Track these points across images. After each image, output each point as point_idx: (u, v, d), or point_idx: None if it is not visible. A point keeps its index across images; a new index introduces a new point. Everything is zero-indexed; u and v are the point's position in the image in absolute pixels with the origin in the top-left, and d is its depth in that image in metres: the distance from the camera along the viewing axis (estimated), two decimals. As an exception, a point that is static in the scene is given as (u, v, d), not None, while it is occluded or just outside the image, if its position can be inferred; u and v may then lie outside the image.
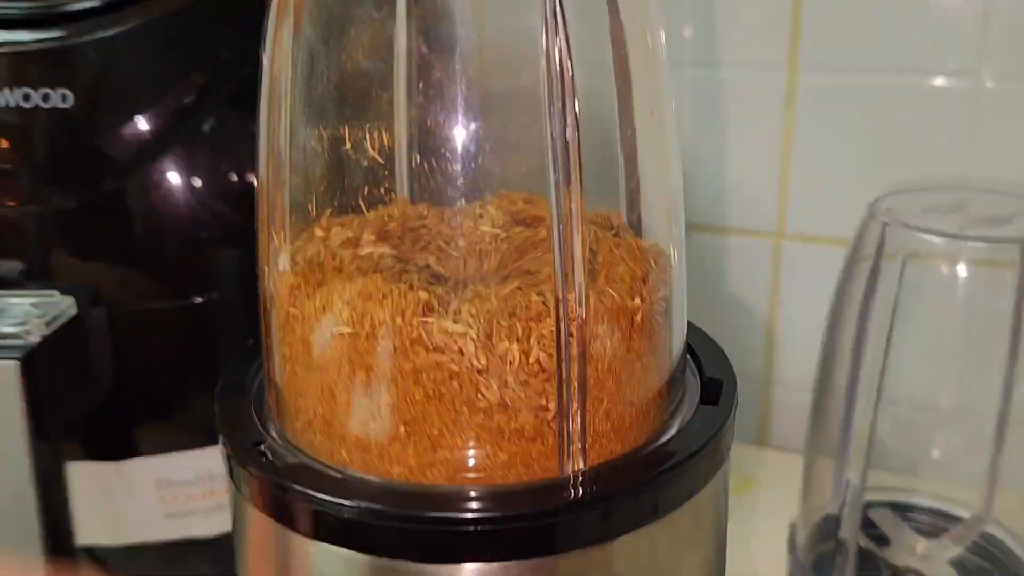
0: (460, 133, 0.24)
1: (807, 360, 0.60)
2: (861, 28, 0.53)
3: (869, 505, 0.47)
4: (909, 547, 0.45)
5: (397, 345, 0.22)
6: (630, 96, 0.23)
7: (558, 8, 0.20)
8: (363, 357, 0.22)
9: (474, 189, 0.25)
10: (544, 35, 0.21)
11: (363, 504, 0.22)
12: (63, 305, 0.36)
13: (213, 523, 0.42)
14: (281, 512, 0.23)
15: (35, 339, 0.35)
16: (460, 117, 0.24)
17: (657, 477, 0.22)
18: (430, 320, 0.22)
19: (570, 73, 0.20)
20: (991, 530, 0.45)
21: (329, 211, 0.24)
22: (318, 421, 0.24)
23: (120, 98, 0.38)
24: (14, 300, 0.36)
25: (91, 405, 0.40)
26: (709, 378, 0.26)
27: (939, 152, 0.53)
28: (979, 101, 0.51)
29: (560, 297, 0.21)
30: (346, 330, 0.22)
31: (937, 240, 0.39)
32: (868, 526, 0.47)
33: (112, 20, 0.37)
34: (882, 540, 0.46)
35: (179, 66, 0.39)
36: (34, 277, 0.38)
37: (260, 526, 0.24)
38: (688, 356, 0.27)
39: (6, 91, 0.37)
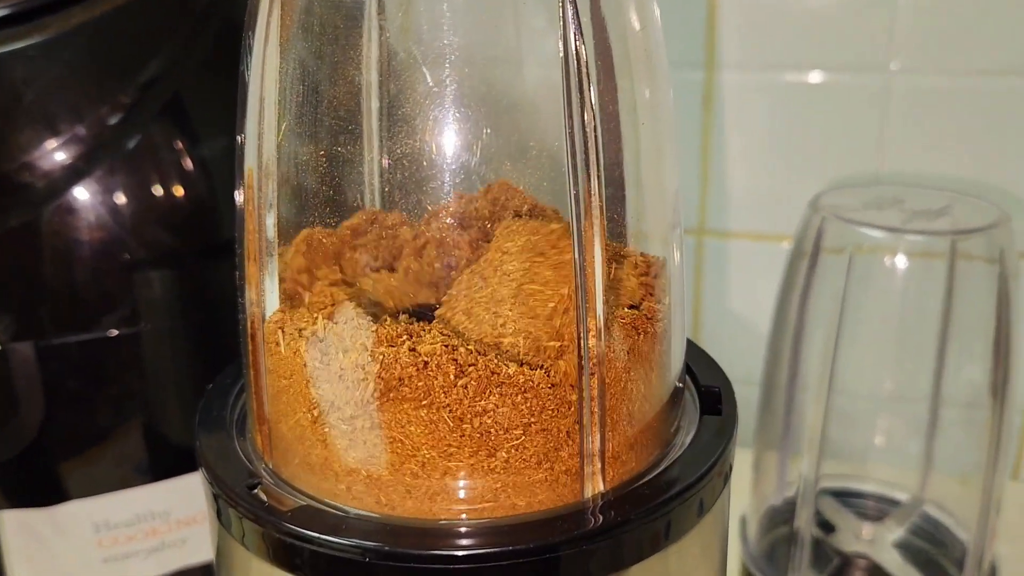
0: (450, 146, 0.23)
1: (735, 353, 0.62)
2: (776, 26, 0.54)
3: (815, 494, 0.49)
4: (855, 532, 0.46)
5: (405, 376, 0.21)
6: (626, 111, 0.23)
7: (573, 16, 0.20)
8: (368, 391, 0.21)
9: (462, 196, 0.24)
10: (563, 44, 0.20)
11: (371, 545, 0.21)
12: (-16, 341, 0.34)
13: (155, 564, 0.39)
14: (284, 556, 0.21)
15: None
16: (450, 133, 0.23)
17: (672, 500, 0.22)
18: (433, 346, 0.21)
19: (587, 74, 0.20)
20: (931, 512, 0.47)
21: (318, 234, 0.23)
22: (316, 458, 0.22)
23: (36, 117, 0.35)
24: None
25: (18, 447, 0.37)
26: (706, 387, 0.25)
27: (854, 148, 0.55)
28: (891, 97, 0.53)
29: (581, 322, 0.20)
30: (348, 366, 0.21)
31: (877, 234, 0.40)
32: (814, 515, 0.48)
33: (25, 31, 0.34)
34: (828, 527, 0.47)
35: (100, 81, 0.36)
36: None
37: (256, 568, 0.22)
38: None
39: None
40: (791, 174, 0.56)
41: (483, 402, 0.21)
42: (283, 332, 0.22)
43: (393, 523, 0.22)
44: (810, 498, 0.43)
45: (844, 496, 0.48)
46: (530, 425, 0.21)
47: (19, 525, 0.37)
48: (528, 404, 0.21)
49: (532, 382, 0.21)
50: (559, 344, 0.22)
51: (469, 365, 0.21)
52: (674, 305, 0.24)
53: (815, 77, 0.54)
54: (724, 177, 0.59)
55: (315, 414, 0.22)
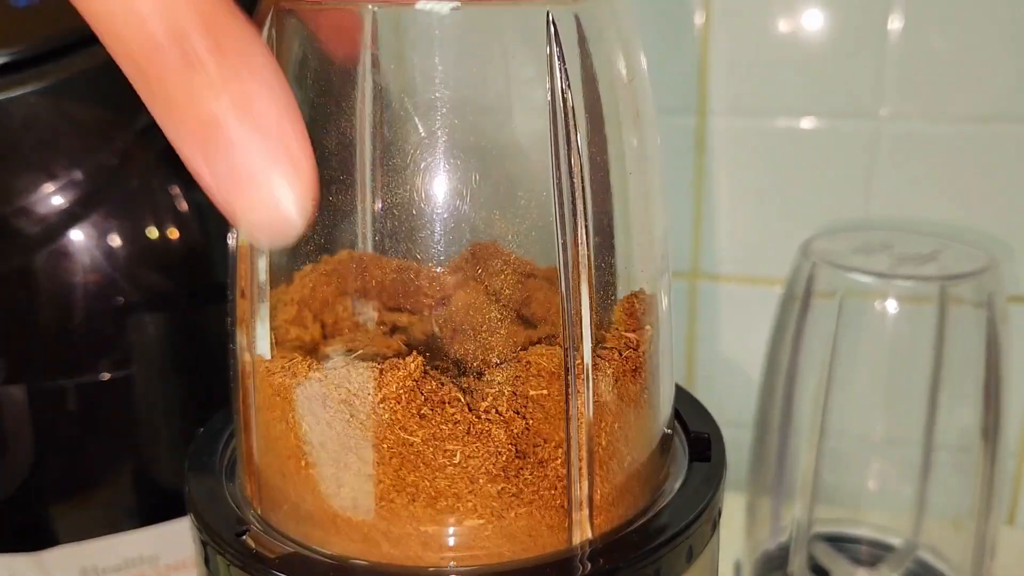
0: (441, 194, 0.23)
1: (727, 397, 0.62)
2: (764, 73, 0.55)
3: (808, 539, 0.48)
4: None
5: (400, 420, 0.21)
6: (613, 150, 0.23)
7: (561, 66, 0.20)
8: (361, 437, 0.21)
9: (451, 246, 0.24)
10: (550, 86, 0.20)
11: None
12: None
13: (143, 609, 0.39)
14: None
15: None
16: (442, 179, 0.23)
17: (662, 547, 0.22)
18: (429, 392, 0.21)
19: (574, 126, 0.20)
20: (926, 556, 0.46)
21: (309, 281, 0.23)
22: (305, 505, 0.22)
23: (33, 162, 0.36)
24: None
25: (6, 491, 0.36)
26: (696, 433, 0.26)
27: (843, 193, 0.55)
28: (881, 143, 0.53)
29: (570, 371, 0.21)
30: (344, 410, 0.21)
31: (867, 279, 0.40)
32: (807, 560, 0.47)
33: (26, 78, 0.35)
34: (822, 573, 0.47)
35: (98, 127, 0.37)
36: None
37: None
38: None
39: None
40: (782, 218, 0.57)
41: (469, 448, 0.21)
42: (273, 377, 0.23)
43: (381, 570, 0.22)
44: (803, 543, 0.43)
45: (838, 541, 0.48)
46: (518, 472, 0.21)
47: (5, 571, 0.36)
48: (514, 451, 0.21)
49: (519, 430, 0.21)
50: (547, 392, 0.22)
51: (457, 412, 0.21)
52: (663, 350, 0.24)
53: (806, 123, 0.55)
54: (717, 221, 0.59)
55: (304, 461, 0.22)
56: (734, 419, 0.53)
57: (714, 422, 0.26)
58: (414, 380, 0.21)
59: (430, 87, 0.24)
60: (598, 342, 0.22)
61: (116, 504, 0.40)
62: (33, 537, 0.38)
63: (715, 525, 0.24)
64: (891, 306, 0.41)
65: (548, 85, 0.21)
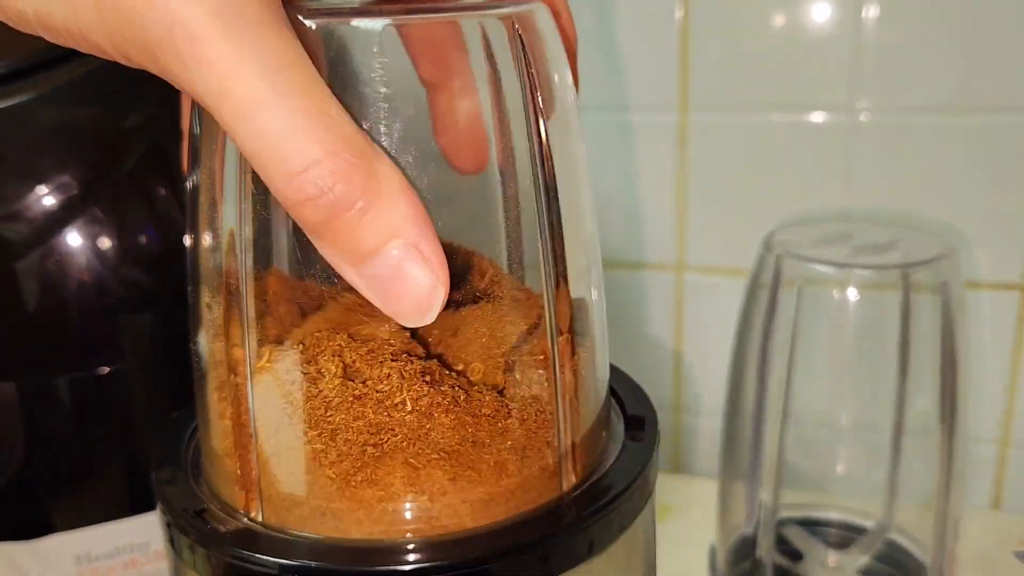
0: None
1: (712, 387, 0.63)
2: (742, 68, 0.56)
3: (781, 523, 0.50)
4: (821, 561, 0.48)
5: (362, 398, 0.23)
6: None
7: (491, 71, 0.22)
8: (316, 418, 0.23)
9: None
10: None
11: (314, 564, 0.22)
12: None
13: (135, 594, 0.41)
14: (227, 578, 0.23)
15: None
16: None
17: (592, 516, 0.24)
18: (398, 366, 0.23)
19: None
20: (896, 538, 0.48)
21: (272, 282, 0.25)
22: (265, 487, 0.24)
23: (21, 169, 0.38)
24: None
25: (1, 482, 0.38)
26: (632, 416, 0.27)
27: (821, 185, 0.56)
28: (856, 135, 0.55)
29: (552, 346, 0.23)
30: (298, 397, 0.23)
31: (828, 269, 0.41)
32: (781, 543, 0.49)
33: (14, 90, 0.37)
34: (795, 555, 0.48)
35: (83, 134, 0.39)
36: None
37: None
38: (611, 396, 0.28)
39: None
40: (759, 210, 0.58)
41: (438, 420, 0.23)
42: (233, 370, 0.24)
43: (337, 543, 0.23)
44: (770, 526, 0.44)
45: (811, 524, 0.50)
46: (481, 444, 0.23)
47: (1, 558, 0.38)
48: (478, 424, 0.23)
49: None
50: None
51: (431, 390, 0.23)
52: (597, 337, 0.26)
53: (780, 117, 0.56)
54: (699, 214, 0.61)
55: (265, 445, 0.24)
56: (717, 408, 0.55)
57: (651, 404, 0.28)
58: (381, 363, 0.23)
59: (372, 95, 0.25)
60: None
61: (109, 494, 0.41)
62: (28, 526, 0.40)
63: (645, 502, 0.25)
64: (851, 294, 0.43)
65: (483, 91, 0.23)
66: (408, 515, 0.23)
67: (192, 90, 0.19)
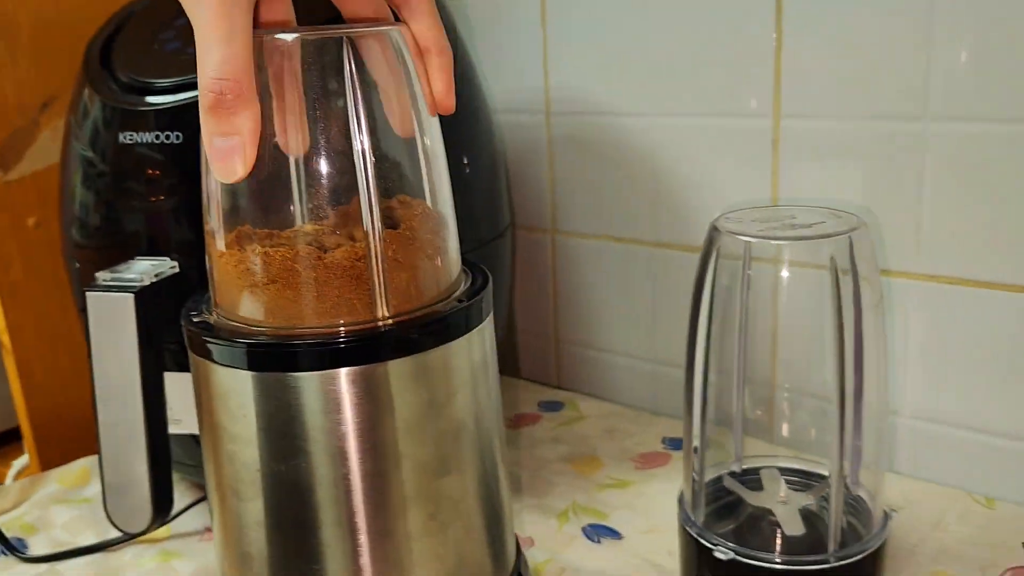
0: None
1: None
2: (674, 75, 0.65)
3: (762, 468, 0.58)
4: (774, 495, 0.55)
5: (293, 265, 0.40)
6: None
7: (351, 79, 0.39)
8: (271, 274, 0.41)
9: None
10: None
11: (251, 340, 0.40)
12: (167, 266, 0.57)
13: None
14: (201, 349, 0.41)
15: (145, 283, 0.55)
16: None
17: (439, 320, 0.41)
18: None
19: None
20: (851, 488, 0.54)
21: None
22: (243, 311, 0.42)
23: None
24: (141, 261, 0.58)
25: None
26: (474, 279, 0.45)
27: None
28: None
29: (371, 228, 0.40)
30: (260, 268, 0.41)
31: (753, 240, 0.50)
32: (755, 483, 0.57)
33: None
34: (758, 487, 0.56)
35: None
36: (156, 250, 0.60)
37: (195, 365, 0.43)
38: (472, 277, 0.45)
39: (154, 132, 0.59)
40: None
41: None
42: (229, 257, 0.43)
43: (279, 329, 0.41)
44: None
45: (787, 472, 0.57)
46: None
47: (180, 383, 0.60)
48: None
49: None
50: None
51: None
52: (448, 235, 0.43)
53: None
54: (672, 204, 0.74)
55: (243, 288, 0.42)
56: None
57: (488, 278, 0.45)
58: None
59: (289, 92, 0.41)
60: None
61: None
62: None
63: (479, 321, 0.43)
64: (782, 268, 0.51)
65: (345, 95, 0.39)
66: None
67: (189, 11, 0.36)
